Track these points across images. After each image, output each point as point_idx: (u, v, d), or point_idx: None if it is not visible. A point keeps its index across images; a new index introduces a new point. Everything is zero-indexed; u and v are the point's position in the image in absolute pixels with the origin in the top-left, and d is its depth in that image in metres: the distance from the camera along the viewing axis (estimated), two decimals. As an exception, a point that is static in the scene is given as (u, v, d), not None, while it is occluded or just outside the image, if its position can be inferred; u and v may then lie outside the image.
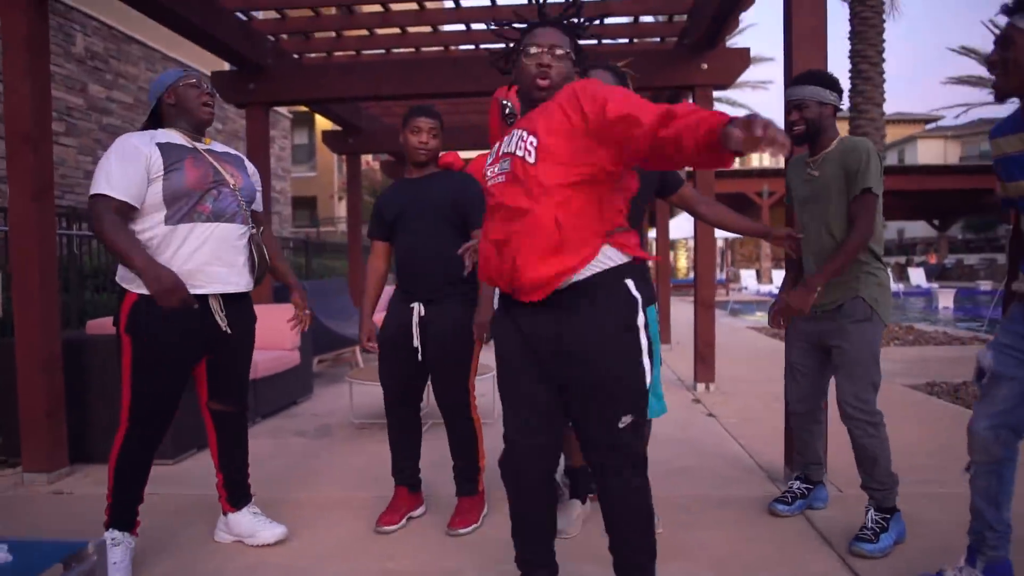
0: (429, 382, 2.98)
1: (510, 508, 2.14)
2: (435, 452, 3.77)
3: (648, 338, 1.96)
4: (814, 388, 2.93)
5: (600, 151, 1.84)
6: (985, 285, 21.96)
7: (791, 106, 2.77)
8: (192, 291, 2.46)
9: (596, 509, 2.99)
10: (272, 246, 2.85)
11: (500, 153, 2.01)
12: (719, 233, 11.09)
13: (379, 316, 5.26)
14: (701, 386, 5.85)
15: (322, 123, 23.85)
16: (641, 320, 1.93)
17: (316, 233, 22.47)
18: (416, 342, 2.88)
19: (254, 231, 2.72)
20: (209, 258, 2.52)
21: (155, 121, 2.68)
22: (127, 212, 2.42)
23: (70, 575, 1.76)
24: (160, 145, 2.49)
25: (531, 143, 1.89)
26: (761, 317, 13.97)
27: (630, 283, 1.92)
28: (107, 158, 2.45)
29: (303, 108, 14.28)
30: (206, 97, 2.65)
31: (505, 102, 3.04)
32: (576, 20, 2.05)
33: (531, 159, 1.87)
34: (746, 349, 8.46)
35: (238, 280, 2.62)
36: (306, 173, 25.37)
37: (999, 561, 2.16)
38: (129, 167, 2.41)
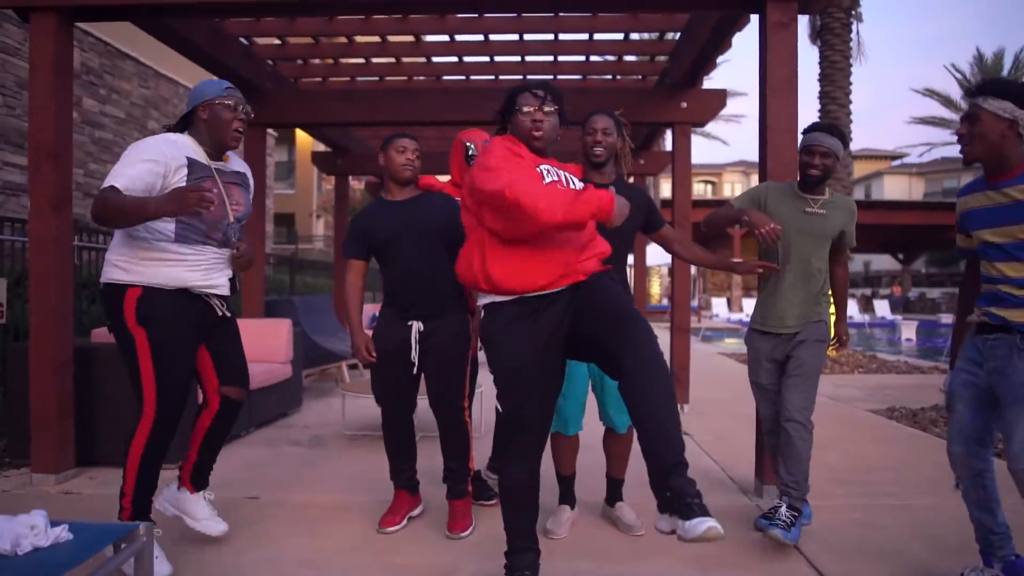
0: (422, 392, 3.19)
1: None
2: (425, 459, 3.98)
3: None
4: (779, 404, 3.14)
5: None
6: (947, 318, 22.58)
7: (816, 151, 2.97)
8: (190, 288, 2.64)
9: (583, 513, 3.24)
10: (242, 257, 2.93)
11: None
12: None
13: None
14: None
15: (302, 143, 23.98)
16: None
17: (295, 250, 22.55)
18: (414, 356, 3.09)
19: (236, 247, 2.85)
20: (205, 272, 2.68)
21: (185, 123, 2.72)
22: None
23: (120, 556, 1.95)
24: (190, 162, 2.59)
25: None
26: (731, 344, 14.32)
27: None
28: (138, 155, 2.51)
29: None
30: (238, 123, 2.69)
31: (469, 144, 3.36)
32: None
33: None
34: (718, 373, 8.78)
35: (224, 284, 2.78)
36: (285, 190, 25.50)
37: (1010, 558, 2.42)
38: (148, 175, 2.50)
